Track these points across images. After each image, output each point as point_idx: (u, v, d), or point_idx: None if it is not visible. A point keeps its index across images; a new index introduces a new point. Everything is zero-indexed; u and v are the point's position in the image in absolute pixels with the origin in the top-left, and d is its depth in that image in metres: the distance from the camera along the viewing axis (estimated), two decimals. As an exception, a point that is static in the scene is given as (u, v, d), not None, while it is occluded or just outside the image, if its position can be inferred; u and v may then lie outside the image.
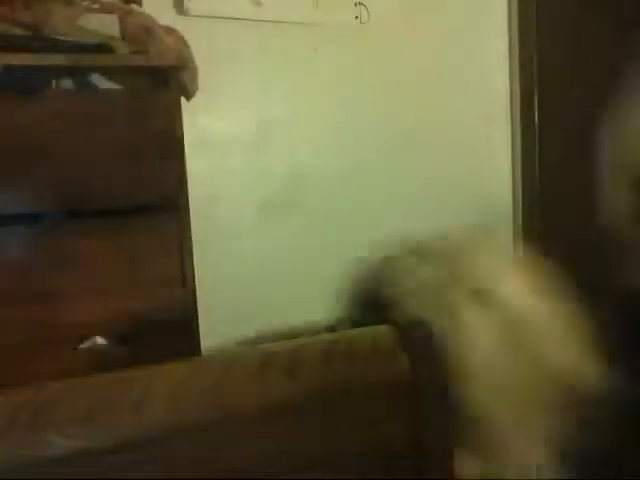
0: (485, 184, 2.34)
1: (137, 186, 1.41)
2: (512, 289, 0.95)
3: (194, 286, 1.48)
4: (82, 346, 1.38)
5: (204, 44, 1.67)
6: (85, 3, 1.45)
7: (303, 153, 2.07)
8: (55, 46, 1.35)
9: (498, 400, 0.92)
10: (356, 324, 1.02)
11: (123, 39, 1.44)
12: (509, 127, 2.38)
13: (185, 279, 1.46)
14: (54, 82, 1.38)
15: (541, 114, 2.29)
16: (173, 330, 1.47)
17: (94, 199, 1.38)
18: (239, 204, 1.98)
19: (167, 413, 0.49)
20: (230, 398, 0.52)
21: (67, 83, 1.38)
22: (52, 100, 1.37)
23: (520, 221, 2.38)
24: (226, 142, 1.95)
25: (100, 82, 1.41)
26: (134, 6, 1.57)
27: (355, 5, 2.07)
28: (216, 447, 0.53)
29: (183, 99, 1.56)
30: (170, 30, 1.55)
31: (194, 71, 1.56)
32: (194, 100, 1.64)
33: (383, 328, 0.59)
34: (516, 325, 0.93)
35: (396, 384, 0.58)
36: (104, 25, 1.44)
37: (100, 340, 1.39)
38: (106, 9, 1.47)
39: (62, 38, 1.37)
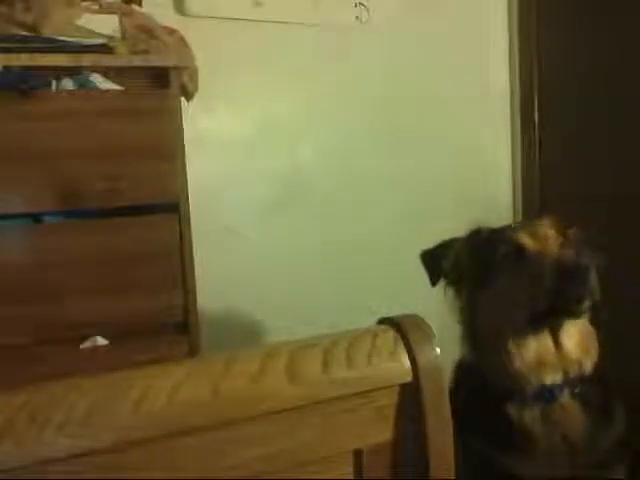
0: (485, 184, 2.35)
1: (137, 186, 1.41)
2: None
3: (194, 286, 1.48)
4: (82, 346, 1.38)
5: (204, 44, 1.67)
6: (85, 3, 1.45)
7: (303, 153, 2.07)
8: (55, 46, 1.35)
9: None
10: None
11: (123, 39, 1.44)
12: (509, 127, 2.38)
13: (185, 279, 1.46)
14: (54, 82, 1.38)
15: (541, 114, 2.30)
16: (173, 330, 1.47)
17: (94, 199, 1.38)
18: (239, 204, 1.98)
19: (167, 413, 0.49)
20: (230, 398, 0.52)
21: (67, 83, 1.38)
22: (52, 100, 1.37)
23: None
24: (226, 142, 1.95)
25: (100, 82, 1.41)
26: (134, 6, 1.57)
27: (355, 5, 2.07)
28: (216, 447, 0.53)
29: (183, 99, 1.56)
30: (170, 30, 1.55)
31: (194, 71, 1.57)
32: (194, 100, 1.64)
33: (383, 328, 0.59)
34: None
35: (396, 384, 0.58)
36: (104, 25, 1.44)
37: (100, 340, 1.39)
38: (106, 9, 1.47)
39: (62, 38, 1.37)
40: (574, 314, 1.09)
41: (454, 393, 1.17)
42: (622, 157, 2.02)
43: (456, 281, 1.22)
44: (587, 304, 1.05)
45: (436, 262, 1.24)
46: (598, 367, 1.13)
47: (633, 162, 1.99)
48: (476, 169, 2.32)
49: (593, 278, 1.04)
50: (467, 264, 1.20)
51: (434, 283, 1.24)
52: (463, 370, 1.23)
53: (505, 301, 1.12)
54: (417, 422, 0.57)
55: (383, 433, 0.58)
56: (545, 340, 1.11)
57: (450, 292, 1.24)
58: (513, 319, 1.11)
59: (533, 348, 1.10)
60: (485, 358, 1.16)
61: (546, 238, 1.13)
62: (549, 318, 1.09)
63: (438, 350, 0.58)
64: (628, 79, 2.00)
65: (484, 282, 1.16)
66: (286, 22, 1.98)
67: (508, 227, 1.23)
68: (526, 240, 1.13)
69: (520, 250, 1.12)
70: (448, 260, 1.22)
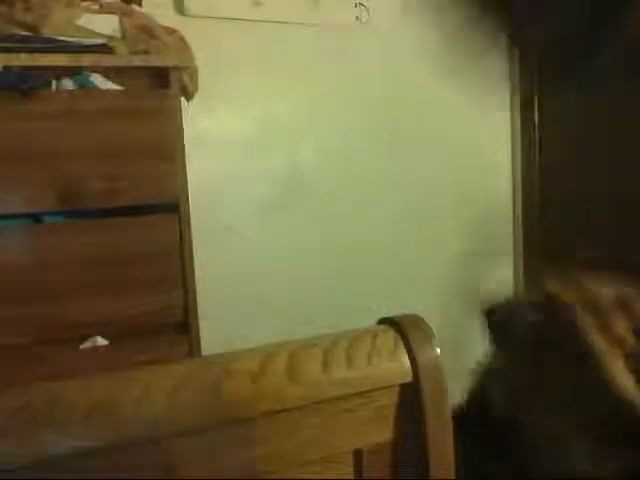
0: (485, 184, 2.35)
1: (137, 186, 1.41)
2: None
3: (194, 286, 1.48)
4: (82, 346, 1.38)
5: (204, 44, 1.66)
6: (85, 3, 1.45)
7: (303, 153, 2.07)
8: (55, 46, 1.35)
9: None
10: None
11: (123, 39, 1.44)
12: (509, 127, 2.38)
13: (185, 279, 1.46)
14: (54, 82, 1.38)
15: (541, 114, 2.30)
16: (173, 330, 1.47)
17: (94, 199, 1.38)
18: (239, 204, 1.98)
19: (167, 413, 0.49)
20: (230, 398, 0.52)
21: (67, 83, 1.38)
22: (52, 100, 1.37)
23: (520, 221, 2.38)
24: (226, 142, 1.95)
25: (100, 82, 1.41)
26: (134, 6, 1.57)
27: (355, 5, 2.07)
28: (216, 447, 0.53)
29: (183, 99, 1.56)
30: (170, 30, 1.55)
31: (194, 71, 1.57)
32: (194, 100, 1.64)
33: (383, 328, 0.59)
34: None
35: (396, 384, 0.58)
36: (104, 25, 1.44)
37: (100, 340, 1.39)
38: (106, 9, 1.47)
39: (62, 38, 1.37)
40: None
41: (464, 418, 1.14)
42: (622, 157, 2.02)
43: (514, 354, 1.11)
44: None
45: (504, 331, 1.12)
46: None
47: (633, 162, 1.99)
48: (476, 169, 2.32)
49: None
50: (534, 341, 1.09)
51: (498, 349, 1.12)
52: (477, 400, 1.18)
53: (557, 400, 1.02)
54: (417, 422, 0.57)
55: (383, 433, 0.58)
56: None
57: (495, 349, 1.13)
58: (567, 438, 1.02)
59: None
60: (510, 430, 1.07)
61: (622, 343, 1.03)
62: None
63: (438, 350, 0.58)
64: (629, 77, 2.00)
65: (543, 365, 1.05)
66: (286, 22, 1.98)
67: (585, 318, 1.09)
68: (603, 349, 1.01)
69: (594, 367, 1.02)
70: (515, 331, 1.11)
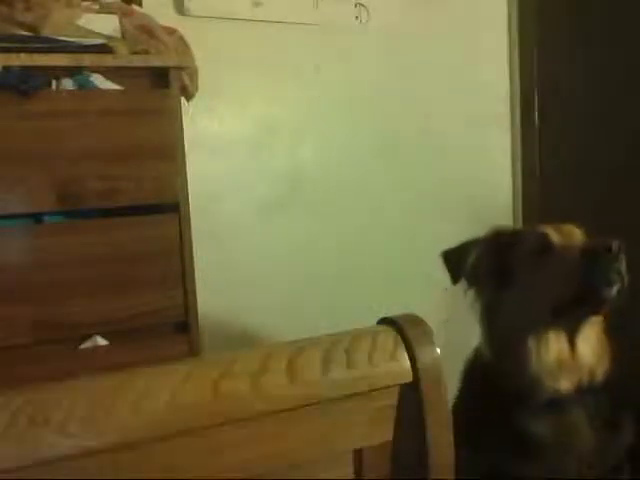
0: (485, 184, 2.34)
1: (137, 186, 1.41)
2: None
3: (194, 286, 1.48)
4: (82, 346, 1.38)
5: (204, 44, 1.67)
6: (85, 3, 1.45)
7: (303, 153, 2.07)
8: (55, 46, 1.35)
9: None
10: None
11: (123, 39, 1.44)
12: (509, 127, 2.38)
13: (185, 279, 1.46)
14: (54, 82, 1.38)
15: (541, 114, 2.29)
16: (173, 330, 1.47)
17: (94, 199, 1.38)
18: (239, 204, 1.98)
19: (167, 413, 0.49)
20: (230, 398, 0.52)
21: (67, 83, 1.38)
22: (52, 100, 1.37)
23: (520, 221, 2.38)
24: (226, 142, 1.95)
25: (100, 82, 1.41)
26: (134, 6, 1.57)
27: (355, 5, 2.07)
28: (216, 447, 0.53)
29: (183, 99, 1.56)
30: (170, 30, 1.55)
31: (194, 71, 1.57)
32: (194, 100, 1.64)
33: (383, 328, 0.59)
34: None
35: (396, 384, 0.58)
36: (104, 25, 1.44)
37: (100, 340, 1.39)
38: (106, 9, 1.47)
39: (62, 38, 1.37)
40: (602, 303, 1.07)
41: (462, 397, 1.18)
42: (622, 157, 2.02)
43: (477, 282, 1.21)
44: (616, 291, 1.03)
45: (457, 262, 1.22)
46: (609, 376, 1.12)
47: (633, 162, 1.99)
48: (476, 169, 2.32)
49: (623, 262, 1.02)
50: (488, 264, 1.19)
51: (455, 282, 1.22)
52: (474, 374, 1.22)
53: (527, 298, 1.12)
54: (417, 422, 0.57)
55: (383, 433, 0.58)
56: (562, 343, 1.10)
57: (470, 293, 1.22)
58: (534, 316, 1.10)
59: (551, 349, 1.09)
60: (503, 360, 1.14)
61: (571, 234, 1.13)
62: (573, 312, 1.08)
63: (438, 350, 0.58)
64: (628, 78, 2.00)
65: (505, 282, 1.15)
66: (286, 22, 1.98)
67: (530, 226, 1.22)
68: (552, 233, 1.12)
69: (546, 243, 1.12)
70: (469, 260, 1.21)
